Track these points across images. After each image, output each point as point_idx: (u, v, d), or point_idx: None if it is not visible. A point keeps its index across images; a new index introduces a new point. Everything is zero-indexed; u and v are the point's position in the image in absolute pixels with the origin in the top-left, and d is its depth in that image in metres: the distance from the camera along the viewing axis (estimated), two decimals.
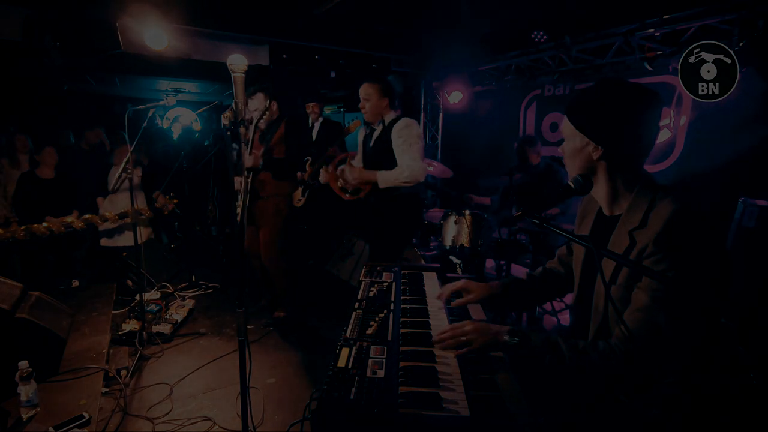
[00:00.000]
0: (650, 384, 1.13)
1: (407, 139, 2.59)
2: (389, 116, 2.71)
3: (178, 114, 6.50)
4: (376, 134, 2.75)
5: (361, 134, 2.93)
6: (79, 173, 4.43)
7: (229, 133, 1.65)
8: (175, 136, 6.29)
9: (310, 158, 3.29)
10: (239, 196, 3.15)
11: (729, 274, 1.17)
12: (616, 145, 1.15)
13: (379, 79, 2.68)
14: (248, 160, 3.05)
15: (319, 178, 3.02)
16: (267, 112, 3.17)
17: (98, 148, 5.20)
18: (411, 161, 2.56)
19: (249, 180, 2.98)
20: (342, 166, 2.71)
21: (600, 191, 1.26)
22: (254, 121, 3.10)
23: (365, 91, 2.66)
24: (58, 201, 4.07)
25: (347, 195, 2.77)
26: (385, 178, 2.61)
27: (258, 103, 3.16)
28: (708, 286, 1.06)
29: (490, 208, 4.01)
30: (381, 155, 2.67)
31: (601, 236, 1.27)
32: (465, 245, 3.43)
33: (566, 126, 1.23)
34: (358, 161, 2.90)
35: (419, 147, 2.63)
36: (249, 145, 3.08)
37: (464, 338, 1.21)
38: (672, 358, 1.09)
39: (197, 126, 6.67)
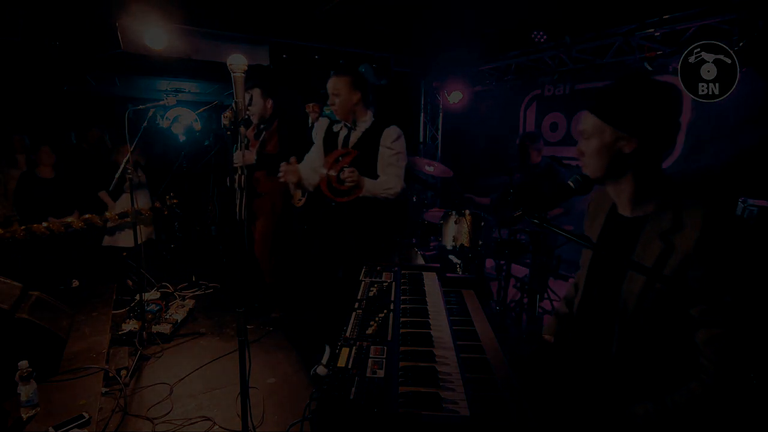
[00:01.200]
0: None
1: (399, 153, 2.43)
2: (366, 117, 2.49)
3: (178, 114, 6.50)
4: (355, 136, 2.50)
5: (321, 129, 2.64)
6: (80, 173, 4.44)
7: (229, 133, 1.65)
8: (180, 138, 6.30)
9: None
10: (236, 194, 3.15)
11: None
12: (649, 138, 1.10)
13: (348, 71, 2.46)
14: (239, 157, 3.02)
15: (307, 183, 2.63)
16: (252, 106, 3.16)
17: (99, 147, 5.20)
18: (397, 177, 2.42)
19: (244, 177, 2.95)
20: (346, 168, 2.41)
21: (624, 191, 1.18)
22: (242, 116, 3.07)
23: (333, 85, 2.41)
24: (58, 201, 4.08)
25: (338, 196, 2.44)
26: (370, 188, 2.40)
27: (250, 98, 3.17)
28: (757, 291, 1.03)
29: (489, 206, 4.01)
30: (362, 161, 2.42)
31: (619, 238, 1.20)
32: (465, 245, 3.43)
33: (589, 122, 1.16)
34: (312, 160, 2.63)
35: (405, 163, 2.51)
36: (241, 142, 3.08)
37: None
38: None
39: (197, 126, 6.68)
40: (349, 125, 2.51)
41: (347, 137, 2.51)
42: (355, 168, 2.41)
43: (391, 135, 2.42)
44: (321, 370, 2.67)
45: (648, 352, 1.13)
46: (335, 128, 2.58)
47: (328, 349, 2.74)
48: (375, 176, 2.44)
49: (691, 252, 1.03)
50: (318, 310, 2.91)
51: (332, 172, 2.45)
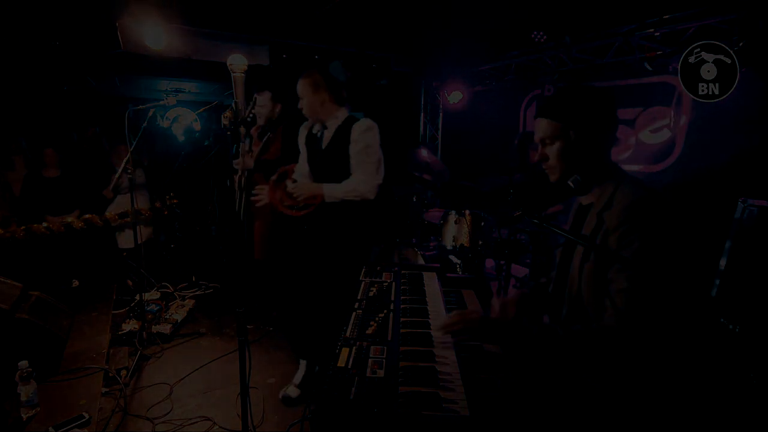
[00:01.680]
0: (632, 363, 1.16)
1: (367, 147, 2.25)
2: (339, 114, 2.36)
3: (178, 114, 6.51)
4: (328, 134, 2.37)
5: (303, 133, 2.56)
6: (81, 173, 4.44)
7: (229, 133, 1.65)
8: (179, 138, 6.31)
9: None
10: (236, 194, 3.14)
11: (689, 260, 1.21)
12: (603, 135, 1.25)
13: (312, 72, 2.32)
14: (239, 162, 3.02)
15: (258, 198, 2.53)
16: (260, 107, 3.16)
17: (96, 146, 5.20)
18: (365, 174, 2.25)
19: (244, 179, 2.94)
20: (290, 184, 2.35)
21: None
22: (246, 114, 3.06)
23: (298, 87, 2.33)
24: (63, 199, 4.10)
25: (295, 211, 2.36)
26: (332, 193, 2.26)
27: (262, 99, 3.17)
28: (668, 268, 1.11)
29: (484, 196, 4.01)
30: (336, 161, 2.31)
31: (578, 224, 1.36)
32: (465, 245, 3.43)
33: (548, 128, 1.28)
34: (302, 167, 2.56)
35: (378, 158, 2.30)
36: (243, 142, 3.08)
37: (470, 325, 1.23)
38: (655, 338, 1.13)
39: (197, 126, 6.68)
40: (325, 124, 2.39)
41: (321, 138, 2.41)
42: (313, 173, 2.30)
43: (358, 128, 2.27)
44: (292, 391, 2.57)
45: (586, 316, 1.26)
46: (314, 130, 2.48)
47: (303, 365, 2.65)
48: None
49: (613, 222, 1.17)
50: (297, 320, 2.76)
51: (278, 190, 2.34)
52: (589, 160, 1.27)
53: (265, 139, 3.27)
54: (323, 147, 2.39)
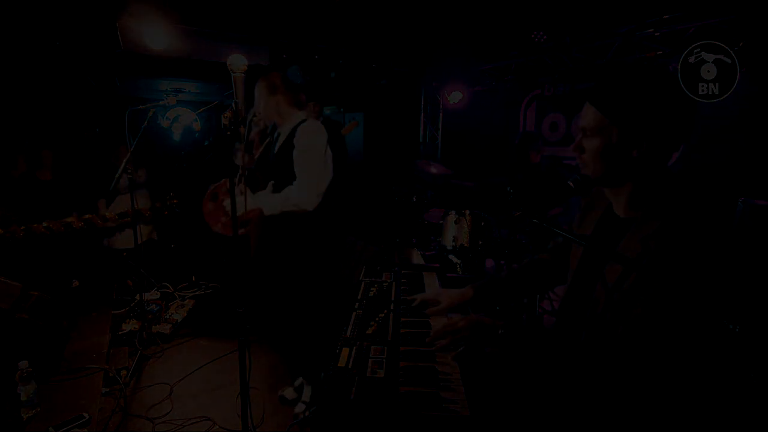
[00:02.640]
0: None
1: (305, 152, 2.06)
2: (294, 118, 2.21)
3: (178, 114, 6.53)
4: (281, 140, 2.20)
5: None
6: (80, 175, 4.44)
7: (229, 133, 1.65)
8: (176, 137, 6.33)
9: None
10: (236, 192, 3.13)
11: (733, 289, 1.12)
12: (662, 139, 1.00)
13: (269, 75, 2.22)
14: (240, 158, 2.98)
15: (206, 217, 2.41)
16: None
17: (94, 147, 5.21)
18: (302, 183, 2.06)
19: (243, 177, 2.92)
20: (227, 201, 2.19)
21: (622, 193, 1.10)
22: (249, 118, 3.04)
23: (255, 90, 2.22)
24: (57, 203, 4.08)
25: (241, 230, 2.14)
26: (268, 205, 2.11)
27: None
28: (707, 309, 0.97)
29: (474, 190, 4.03)
30: (282, 167, 2.14)
31: (608, 237, 1.15)
32: (465, 245, 3.43)
33: (593, 119, 1.03)
34: None
35: (321, 165, 2.09)
36: (244, 143, 3.08)
37: (459, 335, 1.20)
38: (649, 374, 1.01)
39: (197, 126, 6.70)
40: (279, 130, 2.28)
41: (275, 143, 2.27)
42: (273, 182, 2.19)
43: (300, 130, 2.09)
44: (289, 392, 2.56)
45: (609, 343, 1.09)
46: (274, 136, 2.36)
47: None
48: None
49: (664, 259, 0.97)
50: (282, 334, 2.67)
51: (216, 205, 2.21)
52: (636, 169, 1.02)
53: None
54: (275, 152, 2.24)
